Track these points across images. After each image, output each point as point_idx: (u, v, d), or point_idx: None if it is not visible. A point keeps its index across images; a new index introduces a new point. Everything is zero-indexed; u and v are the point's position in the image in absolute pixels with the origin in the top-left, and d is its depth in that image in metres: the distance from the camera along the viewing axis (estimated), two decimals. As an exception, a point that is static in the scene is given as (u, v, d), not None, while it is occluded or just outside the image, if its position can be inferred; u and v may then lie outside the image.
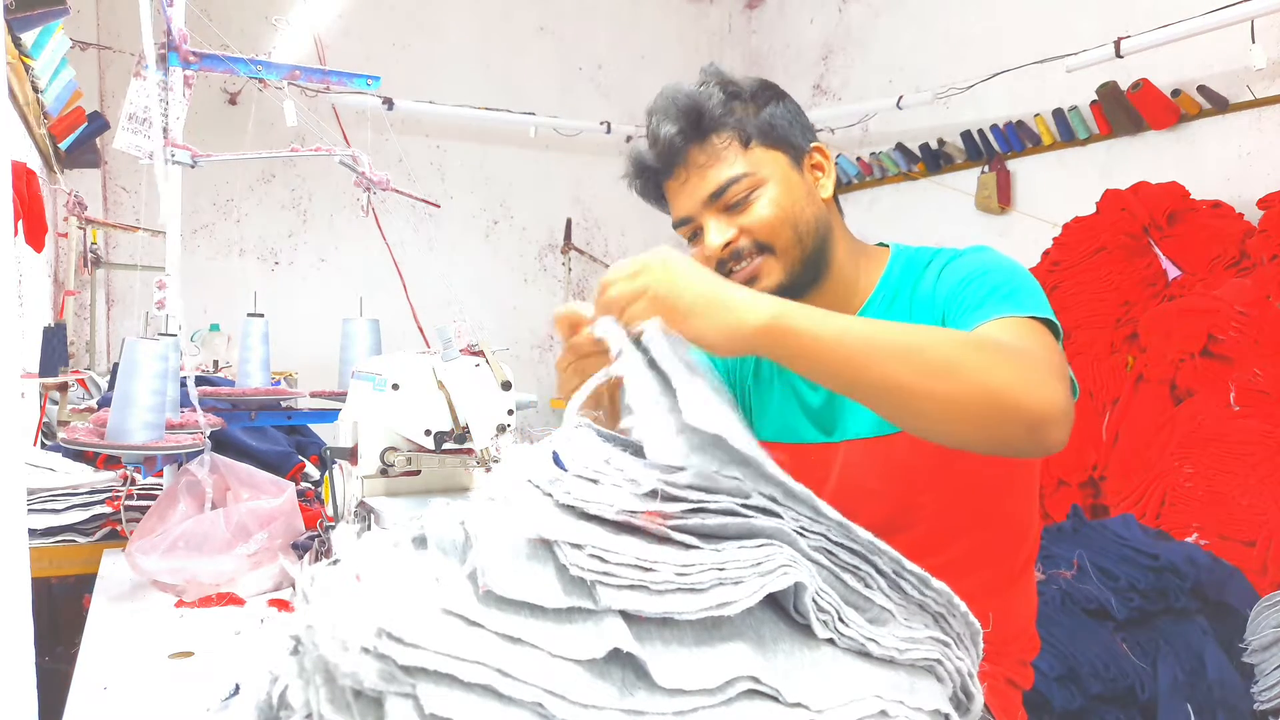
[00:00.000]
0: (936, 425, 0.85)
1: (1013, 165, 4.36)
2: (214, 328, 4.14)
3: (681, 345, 0.77)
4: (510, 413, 1.42)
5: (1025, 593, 1.22)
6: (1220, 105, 3.45)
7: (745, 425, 0.70)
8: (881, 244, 1.24)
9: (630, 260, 0.85)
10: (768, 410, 1.26)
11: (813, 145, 1.16)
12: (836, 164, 5.35)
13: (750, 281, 1.12)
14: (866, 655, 0.63)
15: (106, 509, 1.77)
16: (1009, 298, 1.01)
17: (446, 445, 1.43)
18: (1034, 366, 0.87)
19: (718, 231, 1.11)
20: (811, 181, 1.15)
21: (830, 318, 0.83)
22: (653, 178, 1.16)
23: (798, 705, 0.58)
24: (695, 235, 1.15)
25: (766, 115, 1.12)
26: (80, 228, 3.85)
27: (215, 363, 3.68)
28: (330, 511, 1.52)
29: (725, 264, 1.13)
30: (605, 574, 0.57)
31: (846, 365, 0.82)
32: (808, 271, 1.13)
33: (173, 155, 1.78)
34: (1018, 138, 4.23)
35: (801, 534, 0.63)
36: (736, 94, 1.12)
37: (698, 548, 0.60)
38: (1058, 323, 1.01)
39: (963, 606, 0.67)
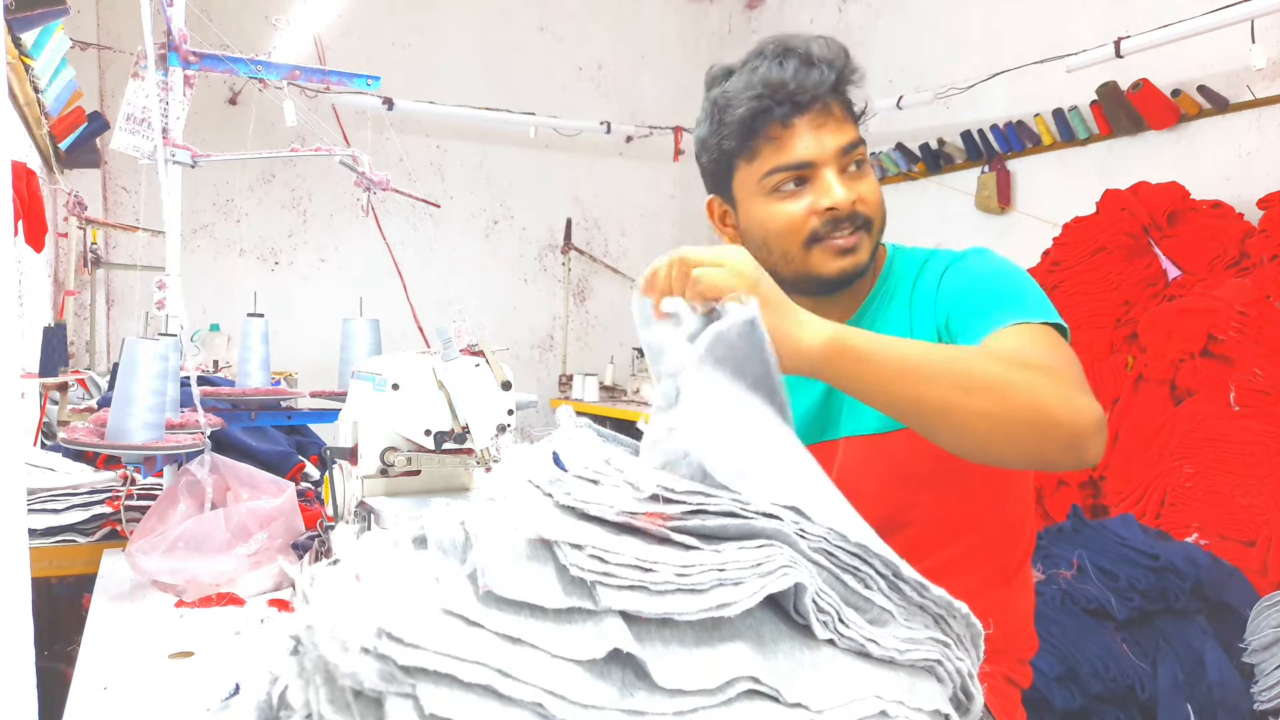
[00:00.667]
0: (985, 443, 0.87)
1: (1013, 165, 4.36)
2: (214, 328, 4.14)
3: (760, 341, 0.74)
4: (510, 413, 1.42)
5: (1023, 590, 1.23)
6: (1220, 105, 3.45)
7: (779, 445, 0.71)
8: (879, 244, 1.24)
9: (705, 249, 0.83)
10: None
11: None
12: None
13: (846, 251, 1.09)
14: (866, 656, 0.63)
15: (106, 509, 1.77)
16: (1018, 303, 1.01)
17: (446, 445, 1.43)
18: (1070, 382, 0.89)
19: (844, 187, 1.07)
20: (869, 169, 1.16)
21: (885, 341, 0.85)
22: (785, 111, 1.08)
23: (798, 705, 0.58)
24: (794, 185, 1.09)
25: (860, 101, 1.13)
26: (80, 228, 3.86)
27: (215, 363, 3.69)
28: (330, 511, 1.52)
29: (832, 225, 1.08)
30: (605, 574, 0.57)
31: (901, 387, 0.84)
32: (871, 261, 1.13)
33: (173, 155, 1.78)
34: (1018, 138, 4.23)
35: (802, 535, 0.63)
36: (855, 69, 1.12)
37: (697, 548, 0.60)
38: (1065, 324, 1.02)
39: (964, 609, 0.67)
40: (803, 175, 1.09)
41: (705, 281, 0.79)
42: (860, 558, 0.65)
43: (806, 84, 1.07)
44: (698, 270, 0.80)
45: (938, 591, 0.66)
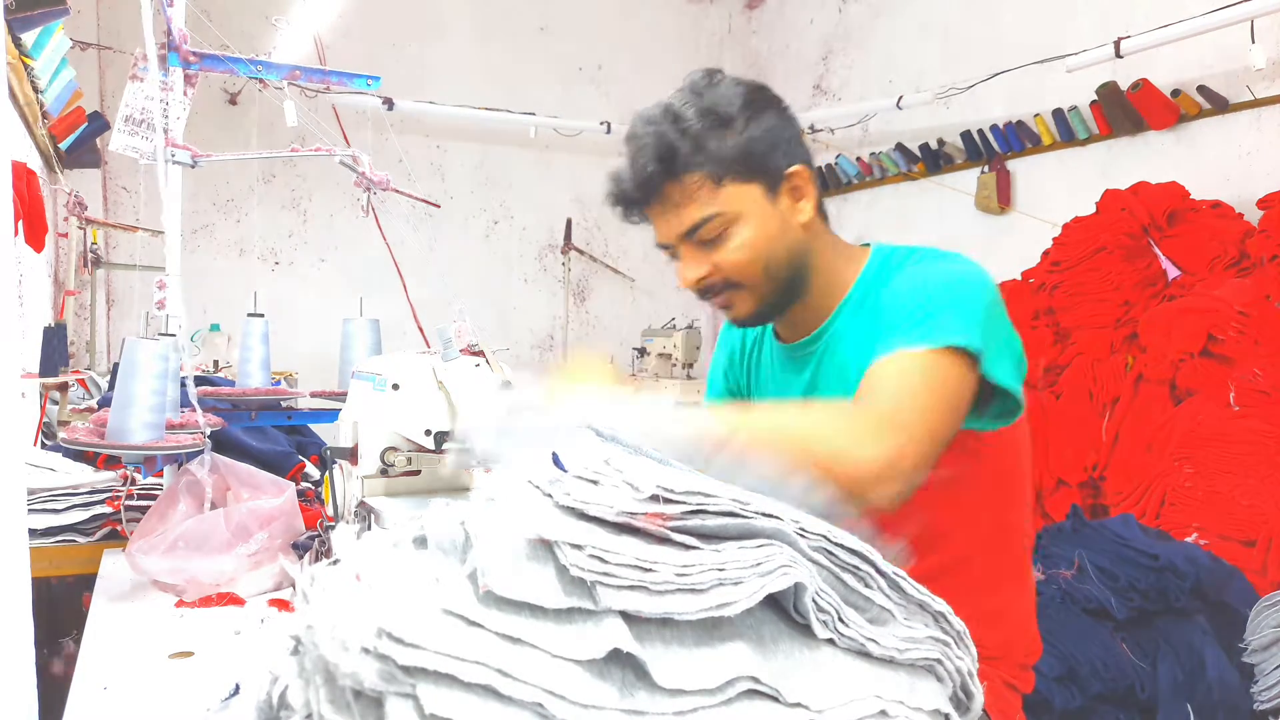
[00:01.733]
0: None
1: (1012, 165, 4.36)
2: (214, 328, 4.14)
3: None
4: (510, 413, 1.42)
5: (1020, 593, 1.22)
6: (1220, 105, 3.45)
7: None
8: (866, 244, 1.25)
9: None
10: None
11: (791, 170, 1.14)
12: (837, 164, 5.32)
13: (724, 308, 1.18)
14: (866, 655, 0.63)
15: (107, 509, 1.77)
16: (922, 325, 1.01)
17: (447, 445, 1.43)
18: (862, 424, 0.91)
19: (691, 268, 1.14)
20: (788, 208, 1.14)
21: (732, 414, 0.92)
22: (633, 205, 1.17)
23: (797, 705, 0.58)
24: (676, 256, 1.18)
25: (745, 143, 1.10)
26: (80, 228, 3.86)
27: (215, 363, 3.69)
28: (330, 511, 1.52)
29: (702, 293, 1.17)
30: (605, 574, 0.57)
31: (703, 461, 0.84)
32: (781, 298, 1.17)
33: (173, 155, 1.78)
34: (1017, 138, 4.23)
35: (801, 534, 0.63)
36: (715, 123, 1.10)
37: (697, 548, 0.61)
38: (975, 347, 1.00)
39: (944, 607, 0.67)
40: (673, 253, 1.17)
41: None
42: (861, 556, 0.65)
43: (635, 183, 1.13)
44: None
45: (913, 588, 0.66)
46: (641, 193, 1.13)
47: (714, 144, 1.09)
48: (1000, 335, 1.06)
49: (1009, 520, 1.19)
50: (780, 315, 1.21)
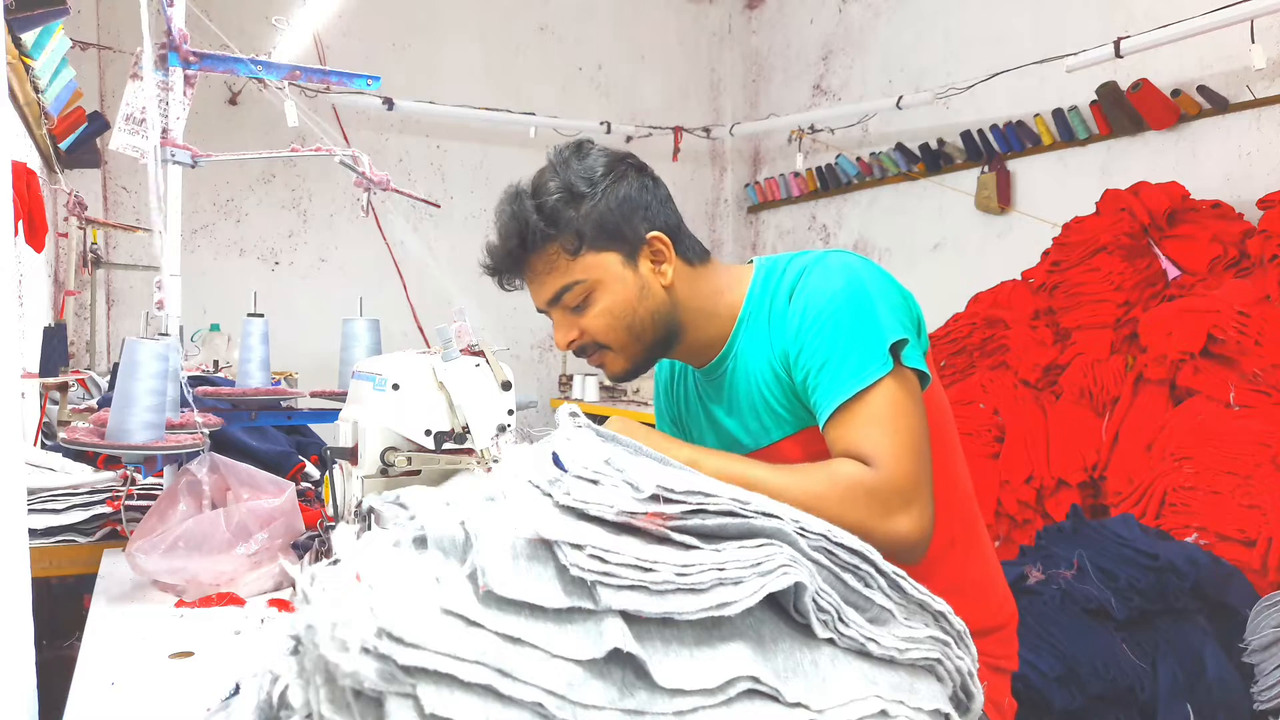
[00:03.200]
0: None
1: (1012, 165, 4.36)
2: (214, 328, 4.14)
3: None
4: (510, 413, 1.42)
5: (975, 557, 1.24)
6: (1220, 105, 3.45)
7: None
8: (751, 261, 1.30)
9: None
10: (706, 438, 1.35)
11: (651, 234, 1.20)
12: (837, 164, 5.32)
13: (600, 368, 1.27)
14: (866, 655, 0.63)
15: (107, 509, 1.77)
16: (849, 358, 1.08)
17: (447, 445, 1.43)
18: (883, 502, 1.01)
19: (562, 332, 1.23)
20: (649, 271, 1.21)
21: (732, 467, 0.99)
22: (506, 275, 1.26)
23: (797, 705, 0.58)
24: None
25: (601, 210, 1.18)
26: (80, 228, 3.85)
27: (215, 363, 3.68)
28: (330, 511, 1.52)
29: (575, 353, 1.26)
30: (605, 574, 0.57)
31: None
32: (651, 354, 1.25)
33: (172, 155, 1.78)
34: (1017, 138, 4.23)
35: (801, 534, 0.63)
36: (571, 196, 1.18)
37: (698, 548, 0.60)
38: (905, 335, 1.08)
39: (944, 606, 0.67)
40: (549, 315, 1.25)
41: None
42: (861, 556, 0.65)
43: (498, 259, 1.23)
44: None
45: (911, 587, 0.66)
46: (506, 266, 1.23)
47: (568, 215, 1.18)
48: (899, 320, 1.11)
49: (946, 485, 1.18)
50: (654, 365, 1.31)
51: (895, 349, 1.08)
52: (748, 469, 1.02)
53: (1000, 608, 1.23)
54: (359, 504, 1.44)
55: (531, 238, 1.18)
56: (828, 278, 1.15)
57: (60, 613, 1.90)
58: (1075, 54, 3.70)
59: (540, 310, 1.26)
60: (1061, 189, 4.07)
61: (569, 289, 1.19)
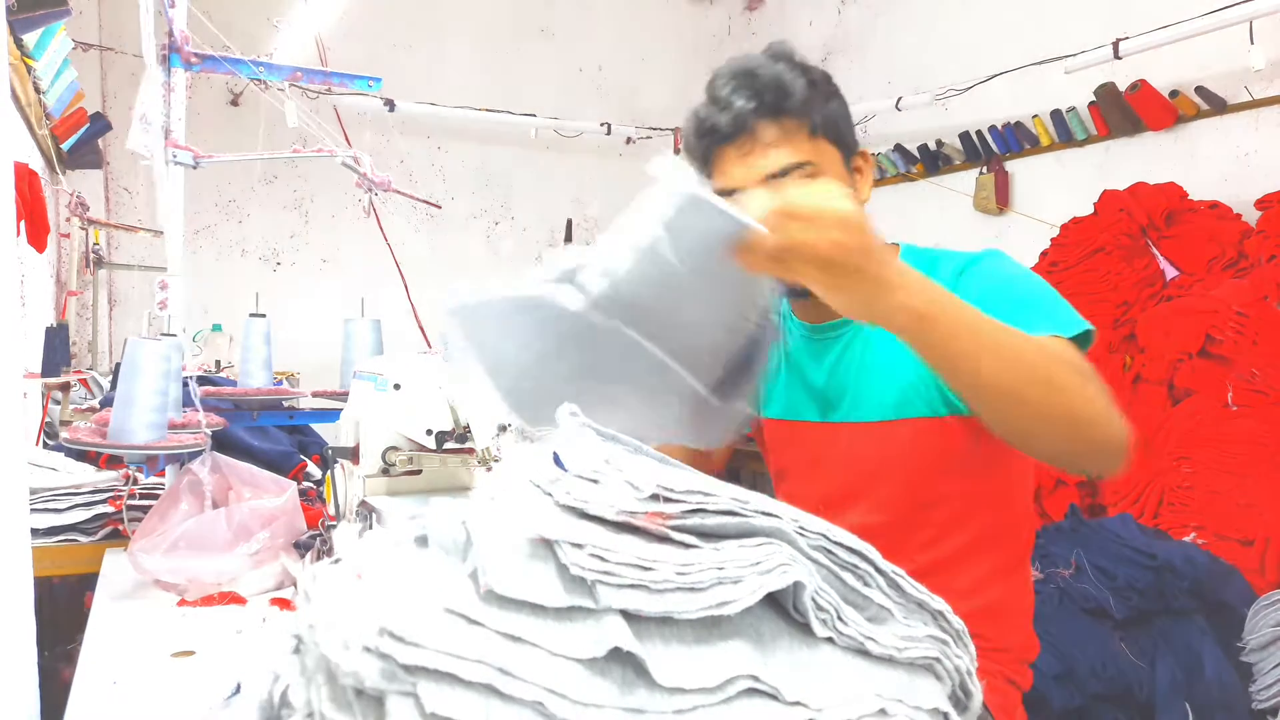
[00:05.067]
0: (1033, 433, 0.91)
1: (1011, 166, 4.36)
2: (216, 328, 4.15)
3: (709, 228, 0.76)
4: (511, 413, 1.42)
5: (1023, 588, 1.23)
6: (1218, 106, 3.45)
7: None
8: (891, 244, 1.23)
9: (811, 197, 0.82)
10: (774, 389, 1.26)
11: (860, 150, 1.17)
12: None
13: None
14: (865, 654, 0.63)
15: (109, 509, 1.77)
16: (1051, 315, 1.01)
17: (448, 445, 1.44)
18: (1109, 400, 0.92)
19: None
20: (858, 183, 1.16)
21: (970, 317, 0.87)
22: (712, 141, 1.12)
23: (797, 704, 0.58)
24: None
25: (832, 109, 1.12)
26: (82, 228, 3.86)
27: (217, 363, 3.69)
28: (332, 511, 1.53)
29: None
30: (605, 573, 0.57)
31: (974, 365, 0.87)
32: None
33: (174, 156, 1.78)
34: (1016, 139, 4.23)
35: (801, 533, 0.64)
36: (813, 82, 1.11)
37: (697, 547, 0.61)
38: (1092, 328, 1.02)
39: (944, 606, 0.67)
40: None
41: (801, 245, 0.79)
42: (860, 555, 0.65)
43: (733, 114, 1.09)
44: (796, 228, 0.79)
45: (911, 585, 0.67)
46: (735, 126, 1.08)
47: (817, 98, 1.11)
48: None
49: (1013, 516, 1.19)
50: None
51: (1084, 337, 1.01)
52: (1008, 334, 0.89)
53: (1027, 639, 1.23)
54: (360, 503, 1.45)
55: (787, 100, 1.07)
56: (1008, 263, 1.11)
57: (62, 612, 1.90)
58: (1073, 55, 3.71)
59: (727, 191, 1.08)
60: (1060, 190, 4.08)
61: (799, 167, 1.08)
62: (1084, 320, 1.02)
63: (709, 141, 1.12)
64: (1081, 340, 1.00)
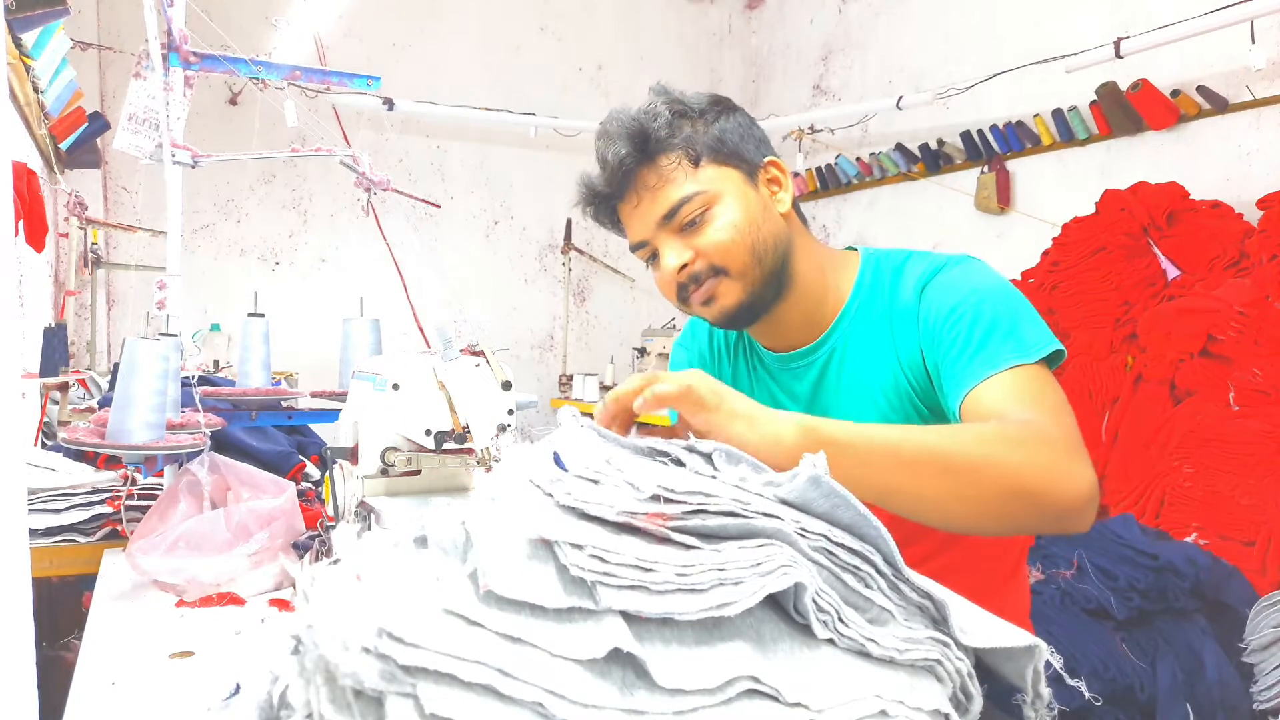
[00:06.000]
0: (967, 522, 0.86)
1: (1012, 165, 4.36)
2: (215, 328, 4.15)
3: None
4: (511, 413, 1.42)
5: (1018, 594, 1.23)
6: (1220, 105, 3.45)
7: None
8: (850, 248, 1.22)
9: (673, 374, 0.83)
10: None
11: (767, 160, 1.12)
12: (837, 164, 5.32)
13: (708, 302, 1.11)
14: (866, 655, 0.63)
15: (107, 509, 1.77)
16: (1010, 340, 0.98)
17: (447, 445, 1.43)
18: (1061, 445, 0.86)
19: (673, 254, 1.09)
20: (768, 197, 1.12)
21: (857, 429, 0.81)
22: (605, 202, 1.13)
23: (797, 705, 0.58)
24: (653, 258, 1.13)
25: (717, 130, 1.09)
26: (81, 228, 3.86)
27: (216, 363, 3.69)
28: (331, 511, 1.53)
29: (685, 286, 1.11)
30: (606, 574, 0.57)
31: (877, 474, 0.80)
32: (768, 289, 1.11)
33: (173, 155, 1.78)
34: (1017, 138, 4.23)
35: (802, 534, 0.64)
36: (684, 111, 1.09)
37: (698, 548, 0.61)
38: (1060, 345, 0.99)
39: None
40: (650, 252, 1.12)
41: (659, 394, 0.78)
42: (861, 556, 0.65)
43: (609, 171, 1.08)
44: (656, 386, 0.79)
45: (921, 582, 0.66)
46: (615, 183, 1.09)
47: (688, 127, 1.08)
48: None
49: None
50: (765, 314, 1.14)
51: (1051, 357, 0.98)
52: (905, 432, 0.85)
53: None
54: (359, 503, 1.44)
55: (650, 145, 1.06)
56: (971, 275, 1.06)
57: (60, 612, 1.90)
58: (1075, 54, 3.71)
59: (638, 245, 1.12)
60: (1061, 189, 4.08)
61: (688, 200, 1.06)
62: (1051, 339, 0.98)
63: (608, 205, 1.13)
64: (1051, 359, 0.98)
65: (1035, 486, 0.82)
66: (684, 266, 1.09)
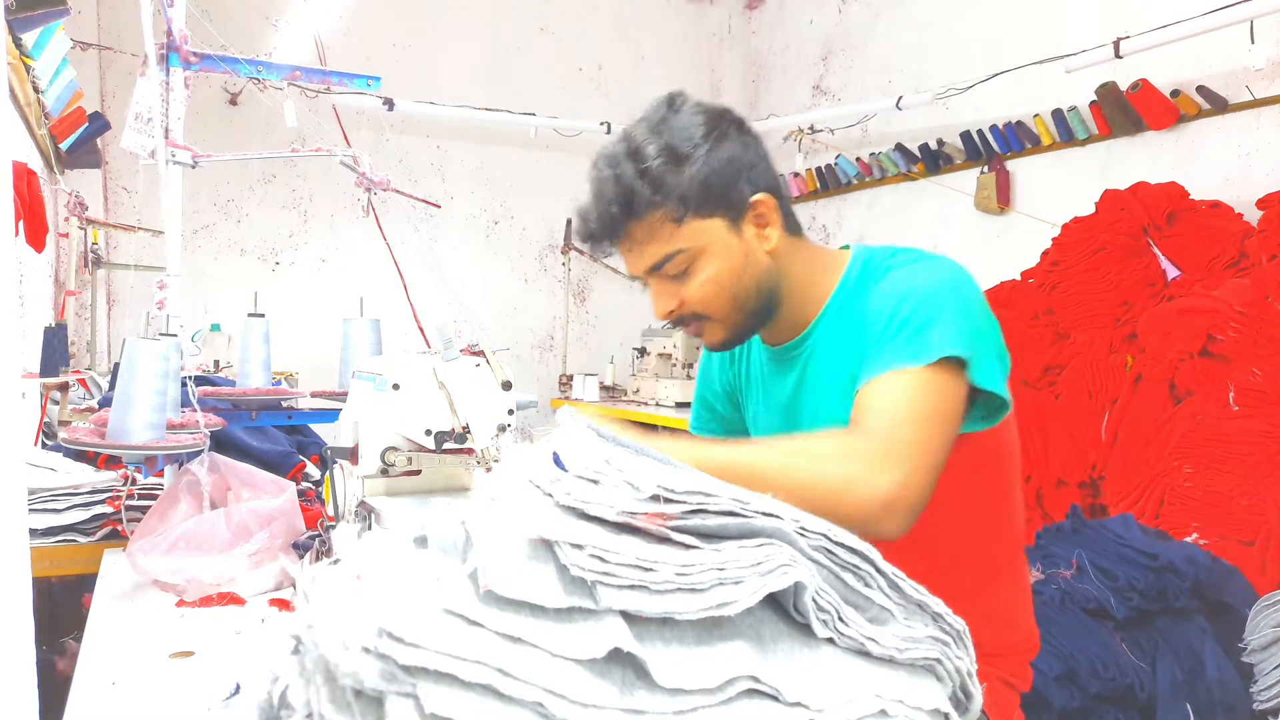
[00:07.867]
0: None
1: (1012, 166, 4.36)
2: (215, 328, 4.15)
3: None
4: (510, 413, 1.42)
5: (1014, 587, 1.23)
6: (1219, 105, 3.45)
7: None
8: (846, 247, 1.25)
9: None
10: (759, 416, 1.31)
11: (755, 199, 1.14)
12: (837, 164, 5.32)
13: (697, 337, 1.22)
14: (866, 655, 0.63)
15: (107, 509, 1.77)
16: (914, 340, 1.02)
17: (447, 445, 1.43)
18: (865, 461, 0.93)
19: (661, 301, 1.17)
20: (754, 236, 1.15)
21: (710, 451, 0.92)
22: (598, 243, 1.19)
23: (797, 704, 0.58)
24: (647, 286, 1.21)
25: (704, 177, 1.10)
26: (81, 228, 3.86)
27: (216, 363, 3.69)
28: (331, 511, 1.53)
29: (673, 324, 1.21)
30: (606, 574, 0.57)
31: None
32: (753, 322, 1.19)
33: (173, 155, 1.78)
34: (1017, 138, 4.23)
35: (801, 534, 0.64)
36: (674, 159, 1.10)
37: (698, 548, 0.61)
38: (961, 351, 1.01)
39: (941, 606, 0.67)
40: (644, 282, 1.19)
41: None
42: (861, 555, 0.65)
43: (599, 226, 1.15)
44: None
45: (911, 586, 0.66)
46: (606, 232, 1.15)
47: (673, 181, 1.10)
48: (984, 336, 1.06)
49: (998, 518, 1.20)
50: (754, 335, 1.24)
51: (956, 360, 1.01)
52: (746, 451, 0.95)
53: (1027, 637, 1.23)
54: (359, 503, 1.44)
55: (635, 204, 1.10)
56: (919, 275, 1.09)
57: (60, 612, 1.90)
58: (1074, 54, 3.70)
59: (635, 278, 1.20)
60: (1061, 189, 4.08)
61: (671, 258, 1.13)
62: (956, 344, 1.00)
63: (599, 244, 1.19)
64: (951, 364, 1.00)
65: (825, 498, 0.88)
66: (670, 312, 1.18)
